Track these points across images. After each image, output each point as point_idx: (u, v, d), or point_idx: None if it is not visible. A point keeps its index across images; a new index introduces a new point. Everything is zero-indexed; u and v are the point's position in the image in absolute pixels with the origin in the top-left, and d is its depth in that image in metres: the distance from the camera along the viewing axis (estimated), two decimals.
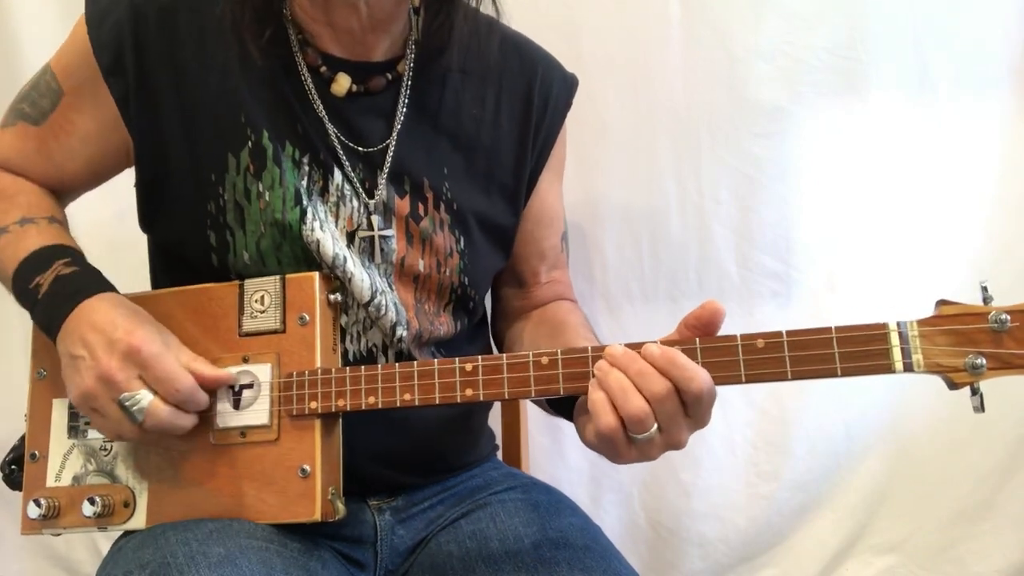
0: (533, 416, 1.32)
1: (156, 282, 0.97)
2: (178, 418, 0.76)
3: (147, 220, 0.92)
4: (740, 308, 1.37)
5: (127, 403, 0.74)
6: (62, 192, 0.94)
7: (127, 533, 0.82)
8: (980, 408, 0.65)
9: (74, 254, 0.84)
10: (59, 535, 0.86)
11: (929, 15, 1.31)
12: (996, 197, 1.32)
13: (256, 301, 0.82)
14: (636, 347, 0.69)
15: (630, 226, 1.39)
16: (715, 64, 1.34)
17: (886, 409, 1.37)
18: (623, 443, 0.68)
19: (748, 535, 1.41)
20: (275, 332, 0.81)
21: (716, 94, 1.35)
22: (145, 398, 0.75)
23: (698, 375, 0.66)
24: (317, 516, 0.76)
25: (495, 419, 1.17)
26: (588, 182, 1.38)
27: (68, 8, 1.38)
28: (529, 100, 0.96)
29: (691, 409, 0.68)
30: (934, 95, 1.32)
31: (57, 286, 0.80)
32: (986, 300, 0.66)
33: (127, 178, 0.94)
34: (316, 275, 0.82)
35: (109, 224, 1.28)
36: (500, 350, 1.06)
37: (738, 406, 1.39)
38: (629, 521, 1.44)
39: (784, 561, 1.41)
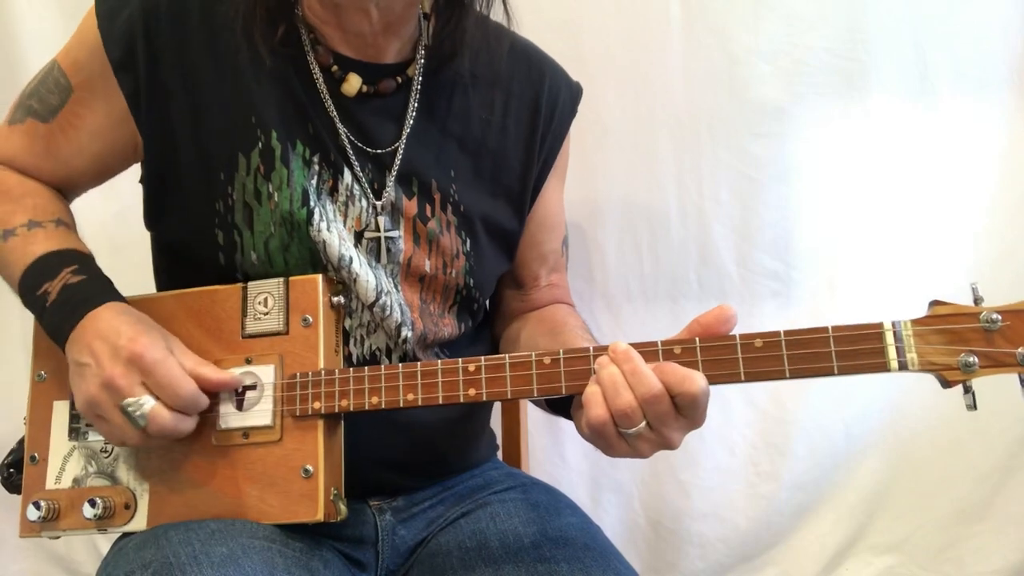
0: (533, 416, 1.32)
1: (160, 280, 0.97)
2: (180, 422, 0.77)
3: (152, 218, 0.91)
4: (740, 308, 1.34)
5: (129, 408, 0.74)
6: (67, 189, 0.94)
7: (128, 533, 0.82)
8: (973, 406, 0.67)
9: (82, 259, 0.84)
10: (58, 538, 0.86)
11: (929, 15, 1.31)
12: (996, 197, 1.33)
13: (259, 303, 0.82)
14: (643, 347, 0.70)
15: (630, 226, 1.39)
16: (715, 65, 1.34)
17: (886, 409, 1.37)
18: (613, 436, 0.70)
19: (748, 535, 1.41)
20: (278, 334, 0.81)
21: (716, 95, 1.35)
22: (147, 403, 0.75)
23: (691, 376, 0.68)
24: (320, 516, 0.76)
25: (495, 419, 1.17)
26: (588, 182, 1.38)
27: (68, 7, 1.38)
28: (537, 108, 0.96)
29: (685, 410, 0.69)
30: (934, 95, 1.33)
31: (65, 295, 0.80)
32: (976, 300, 0.68)
33: (129, 177, 0.94)
34: (319, 277, 0.82)
35: (111, 222, 1.28)
36: (495, 349, 1.06)
37: (738, 406, 1.39)
38: (629, 521, 1.44)
39: (784, 561, 1.41)
